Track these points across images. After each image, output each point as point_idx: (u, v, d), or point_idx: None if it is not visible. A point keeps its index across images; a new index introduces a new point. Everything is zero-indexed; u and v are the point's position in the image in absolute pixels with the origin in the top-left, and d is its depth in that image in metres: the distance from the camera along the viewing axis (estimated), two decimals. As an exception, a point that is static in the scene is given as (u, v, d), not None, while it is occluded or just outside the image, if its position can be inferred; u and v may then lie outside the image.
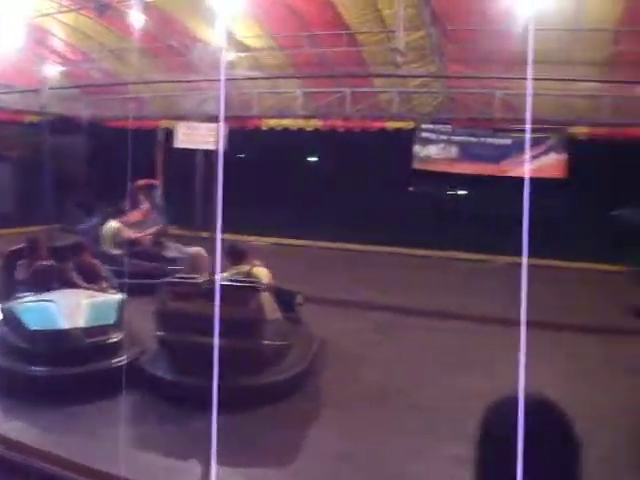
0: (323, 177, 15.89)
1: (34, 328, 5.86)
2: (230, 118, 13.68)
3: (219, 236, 2.89)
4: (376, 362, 7.06)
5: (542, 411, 1.37)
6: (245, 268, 6.45)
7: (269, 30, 12.59)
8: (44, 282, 6.60)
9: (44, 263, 6.88)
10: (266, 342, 5.79)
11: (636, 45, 10.76)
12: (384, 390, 6.12)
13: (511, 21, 9.88)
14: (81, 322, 6.04)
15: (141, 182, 11.71)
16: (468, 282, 11.49)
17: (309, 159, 17.77)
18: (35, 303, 6.19)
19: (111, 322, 6.21)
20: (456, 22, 11.23)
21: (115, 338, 6.09)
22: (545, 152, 13.32)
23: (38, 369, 5.65)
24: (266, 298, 6.01)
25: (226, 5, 8.36)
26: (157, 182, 13.92)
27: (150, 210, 11.79)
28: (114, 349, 6.02)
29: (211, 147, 8.34)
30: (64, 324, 5.94)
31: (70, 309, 6.14)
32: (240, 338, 5.26)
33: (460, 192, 15.81)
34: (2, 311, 6.28)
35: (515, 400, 1.33)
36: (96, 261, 7.43)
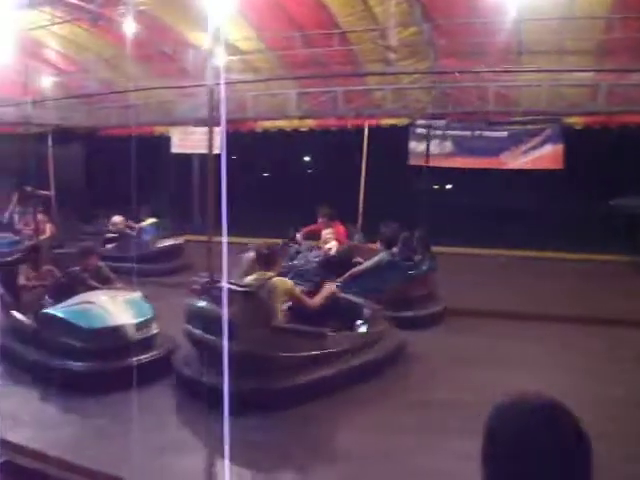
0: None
1: (89, 327, 6.12)
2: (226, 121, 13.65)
3: (225, 239, 2.94)
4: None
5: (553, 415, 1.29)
6: (268, 274, 6.29)
7: (260, 32, 12.57)
8: (70, 286, 6.96)
9: (72, 269, 7.25)
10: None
11: (628, 32, 10.73)
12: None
13: (501, 12, 9.92)
14: (130, 317, 6.39)
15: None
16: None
17: (305, 159, 17.66)
18: (80, 306, 6.43)
19: (150, 316, 6.61)
20: (446, 16, 11.21)
21: (155, 330, 6.56)
22: (542, 143, 13.28)
23: (95, 364, 5.98)
24: (271, 304, 6.01)
25: (217, 9, 8.37)
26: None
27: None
28: (155, 341, 6.49)
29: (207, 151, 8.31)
30: (116, 321, 6.27)
31: (113, 307, 6.45)
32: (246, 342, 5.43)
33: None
34: (41, 317, 6.48)
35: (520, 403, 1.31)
36: (102, 263, 7.61)
